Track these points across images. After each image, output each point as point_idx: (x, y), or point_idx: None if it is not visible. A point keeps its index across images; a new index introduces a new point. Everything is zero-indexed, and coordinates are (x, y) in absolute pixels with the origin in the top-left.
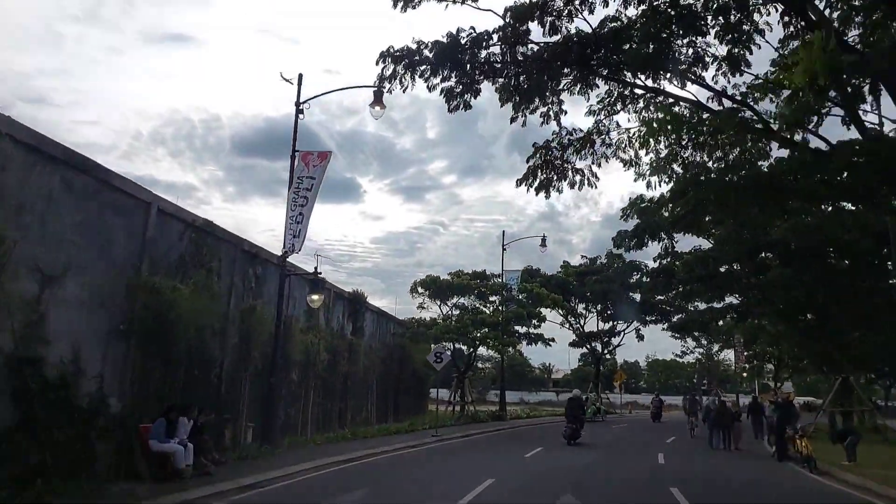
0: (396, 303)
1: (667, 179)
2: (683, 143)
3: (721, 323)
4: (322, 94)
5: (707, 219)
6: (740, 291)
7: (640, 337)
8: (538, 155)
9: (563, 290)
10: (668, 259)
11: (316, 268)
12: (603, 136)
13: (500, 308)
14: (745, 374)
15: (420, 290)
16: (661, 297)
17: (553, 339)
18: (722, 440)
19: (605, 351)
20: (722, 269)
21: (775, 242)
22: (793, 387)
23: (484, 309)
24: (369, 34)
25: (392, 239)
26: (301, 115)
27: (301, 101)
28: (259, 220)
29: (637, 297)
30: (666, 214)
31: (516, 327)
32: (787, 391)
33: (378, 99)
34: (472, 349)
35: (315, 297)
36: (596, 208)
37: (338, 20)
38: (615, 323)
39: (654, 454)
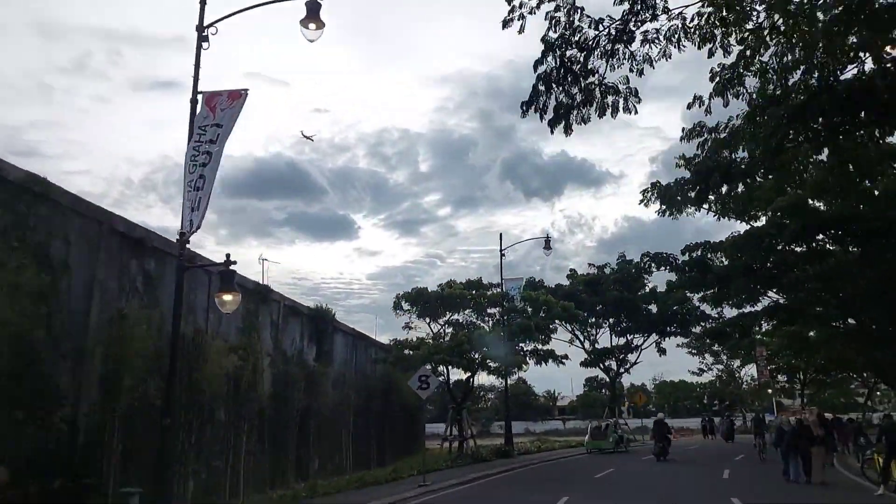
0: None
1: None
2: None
3: (763, 328)
4: (234, 13)
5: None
6: (789, 286)
7: (662, 351)
8: (550, 58)
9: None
10: (701, 251)
11: (266, 278)
12: (645, 23)
13: (503, 321)
14: (769, 391)
15: (405, 305)
16: (682, 305)
17: (566, 356)
18: (802, 471)
19: (622, 369)
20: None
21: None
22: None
23: (482, 325)
24: (354, 79)
25: (389, 274)
26: (205, 44)
27: (205, 24)
28: (254, 263)
29: (654, 308)
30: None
31: (521, 344)
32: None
33: (313, 14)
34: (470, 373)
35: (227, 297)
36: (591, 233)
37: (323, 65)
38: (632, 337)
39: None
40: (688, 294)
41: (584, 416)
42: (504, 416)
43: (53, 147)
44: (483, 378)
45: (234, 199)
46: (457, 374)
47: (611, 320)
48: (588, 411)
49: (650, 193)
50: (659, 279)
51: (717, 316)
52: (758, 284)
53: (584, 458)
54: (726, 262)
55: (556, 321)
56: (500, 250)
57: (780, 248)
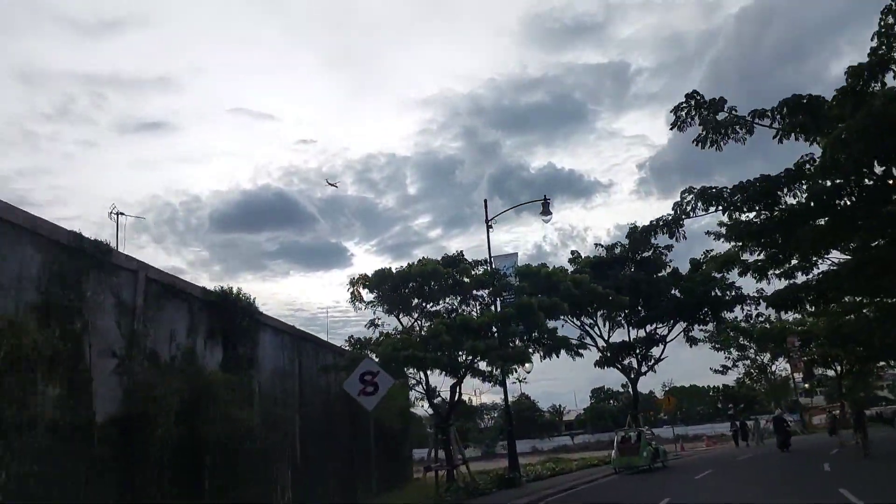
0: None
1: None
2: None
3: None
4: None
5: None
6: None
7: (692, 341)
8: None
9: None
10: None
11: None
12: None
13: (493, 303)
14: (807, 386)
15: (364, 294)
16: (712, 284)
17: (582, 346)
18: None
19: (645, 366)
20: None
21: None
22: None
23: (468, 312)
24: (338, 107)
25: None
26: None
27: None
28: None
29: (677, 293)
30: None
31: (515, 338)
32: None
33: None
34: (456, 377)
35: None
36: (584, 245)
37: (307, 96)
38: (653, 327)
39: None
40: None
41: (594, 430)
42: (507, 434)
43: (41, 194)
44: (485, 397)
45: (224, 234)
46: (441, 382)
47: (625, 312)
48: (597, 424)
49: (687, 111)
50: (680, 259)
51: (757, 295)
52: (841, 224)
53: (615, 483)
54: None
55: (562, 315)
56: (487, 221)
57: None
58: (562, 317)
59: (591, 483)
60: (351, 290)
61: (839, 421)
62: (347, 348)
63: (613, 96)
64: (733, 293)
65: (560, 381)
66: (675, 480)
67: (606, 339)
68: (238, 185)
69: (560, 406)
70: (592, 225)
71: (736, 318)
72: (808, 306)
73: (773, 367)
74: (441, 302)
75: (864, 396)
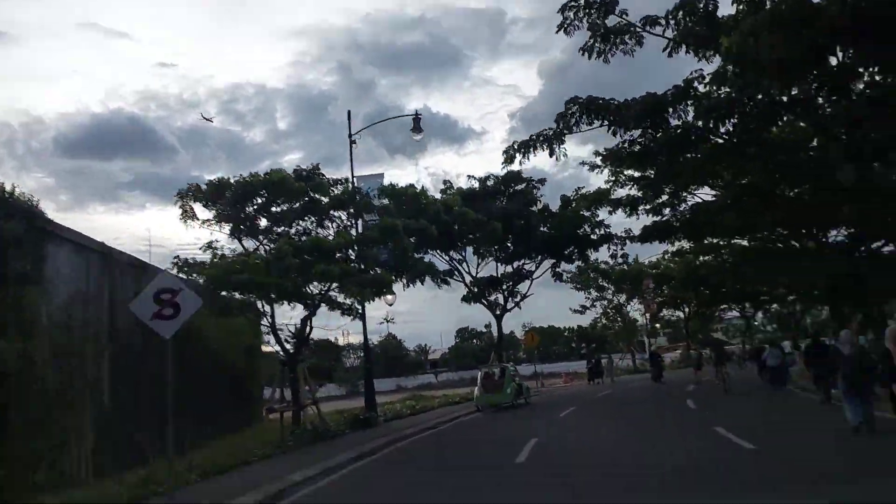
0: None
1: None
2: None
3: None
4: None
5: None
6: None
7: (558, 276)
8: None
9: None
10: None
11: None
12: None
13: (353, 225)
14: (658, 325)
15: (198, 210)
16: (581, 224)
17: (450, 275)
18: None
19: (511, 303)
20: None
21: None
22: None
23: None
24: (202, 33)
25: None
26: None
27: None
28: (98, 229)
29: (546, 230)
30: None
31: (377, 265)
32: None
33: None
34: (307, 308)
35: None
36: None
37: (167, 18)
38: (522, 263)
39: None
40: (592, 209)
41: (458, 368)
42: (366, 372)
43: None
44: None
45: (71, 160)
46: (293, 315)
47: (495, 247)
48: (461, 363)
49: (576, 12)
50: (551, 196)
51: (624, 235)
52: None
53: (479, 421)
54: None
55: (430, 242)
56: (350, 134)
57: None
58: (430, 250)
59: (453, 421)
60: (181, 204)
61: (693, 360)
62: (176, 273)
63: (489, 44)
64: (602, 232)
65: (426, 322)
66: (539, 418)
67: (474, 274)
68: (87, 107)
69: (426, 345)
70: (465, 171)
71: (597, 259)
72: (680, 239)
73: (628, 309)
74: (294, 225)
75: (701, 338)
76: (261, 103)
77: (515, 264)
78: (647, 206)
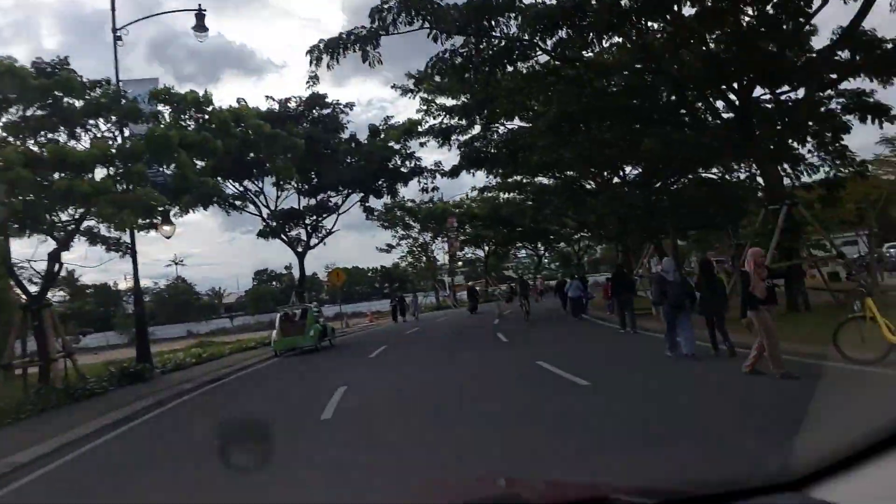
0: None
1: None
2: None
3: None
4: None
5: None
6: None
7: (369, 211)
8: None
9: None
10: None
11: None
12: None
13: (116, 136)
14: (460, 263)
15: None
16: (392, 158)
17: (243, 202)
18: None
19: (315, 238)
20: None
21: None
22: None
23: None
24: None
25: None
26: None
27: None
28: None
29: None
30: None
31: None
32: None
33: None
34: (55, 239)
35: None
36: None
37: None
38: (327, 196)
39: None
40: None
41: (255, 312)
42: (137, 317)
43: None
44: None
45: None
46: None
47: (295, 179)
48: (259, 307)
49: None
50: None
51: (435, 168)
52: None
53: (276, 368)
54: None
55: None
56: (114, 28)
57: None
58: (221, 180)
59: (246, 370)
60: None
61: (504, 294)
62: None
63: None
64: (412, 165)
65: (222, 264)
66: (348, 361)
67: (273, 207)
68: None
69: (220, 289)
70: (264, 105)
71: (403, 198)
72: (493, 172)
73: (433, 247)
74: (37, 136)
75: (494, 276)
76: (22, 17)
77: (320, 197)
78: (460, 138)
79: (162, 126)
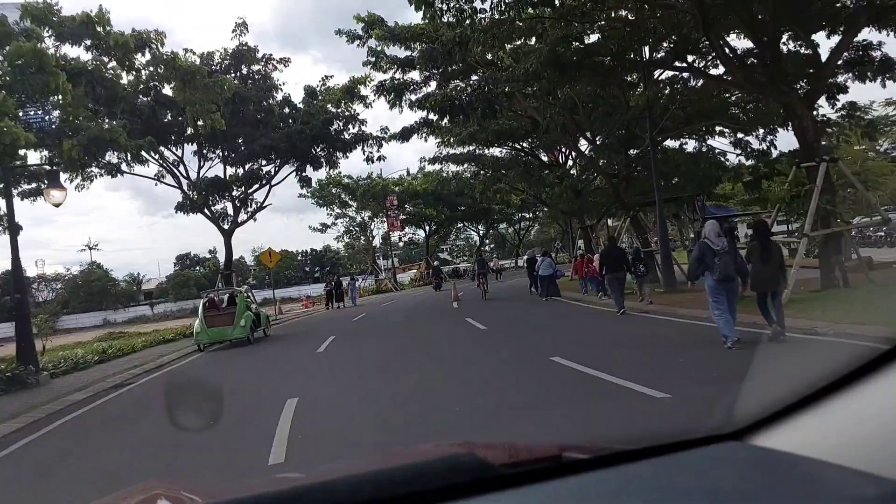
0: None
1: None
2: None
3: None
4: None
5: None
6: None
7: (306, 182)
8: None
9: (152, 114)
10: None
11: None
12: None
13: None
14: (401, 244)
15: None
16: (330, 121)
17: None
18: None
19: (244, 213)
20: None
21: None
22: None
23: None
24: None
25: None
26: None
27: None
28: None
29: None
30: None
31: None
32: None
33: None
34: None
35: None
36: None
37: None
38: (258, 165)
39: None
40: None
41: (178, 298)
42: (16, 309)
43: None
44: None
45: None
46: None
47: (221, 147)
48: (182, 293)
49: None
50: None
51: (381, 135)
52: None
53: (199, 368)
54: None
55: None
56: None
57: None
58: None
59: (161, 370)
60: None
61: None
62: None
63: None
64: (356, 130)
65: (143, 249)
66: (291, 358)
67: (195, 178)
68: None
69: (139, 274)
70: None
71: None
72: (474, 119)
73: (372, 227)
74: None
75: (429, 258)
76: None
77: (249, 166)
78: (413, 97)
79: (29, 42)
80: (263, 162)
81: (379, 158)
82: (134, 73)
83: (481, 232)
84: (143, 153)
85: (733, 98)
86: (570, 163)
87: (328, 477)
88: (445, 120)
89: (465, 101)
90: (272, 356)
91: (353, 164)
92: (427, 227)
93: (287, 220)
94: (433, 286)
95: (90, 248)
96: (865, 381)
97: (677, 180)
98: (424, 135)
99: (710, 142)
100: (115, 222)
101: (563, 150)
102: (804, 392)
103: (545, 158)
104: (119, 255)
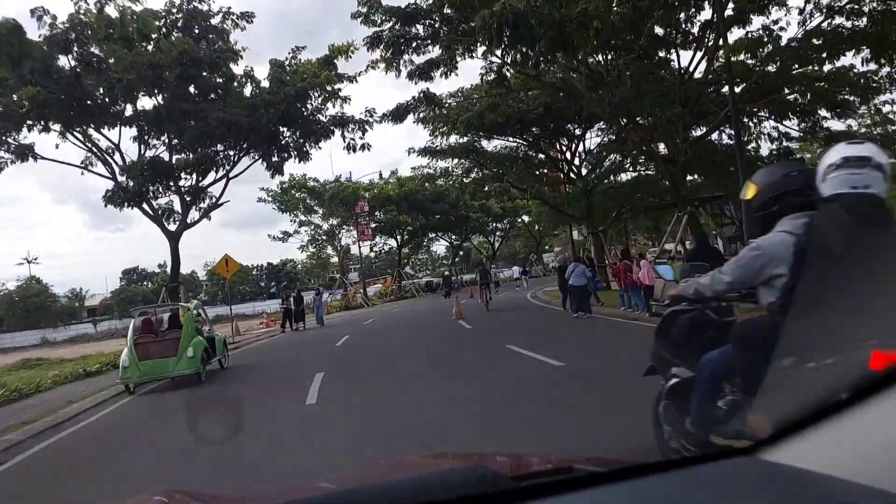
0: None
1: None
2: None
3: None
4: None
5: None
6: None
7: (275, 169)
8: None
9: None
10: None
11: None
12: None
13: None
14: (372, 253)
15: None
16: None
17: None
18: None
19: (197, 210)
20: None
21: None
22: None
23: None
24: None
25: None
26: None
27: None
28: None
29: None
30: None
31: None
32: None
33: None
34: None
35: None
36: None
37: None
38: (215, 149)
39: None
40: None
41: (123, 315)
42: None
43: None
44: None
45: None
46: None
47: (161, 130)
48: (127, 309)
49: None
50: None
51: (365, 118)
52: None
53: (118, 434)
54: None
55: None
56: None
57: None
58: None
59: (43, 444)
60: None
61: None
62: None
63: None
64: (338, 110)
65: (88, 265)
66: (266, 414)
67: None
68: None
69: (81, 290)
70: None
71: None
72: (541, 50)
73: (341, 235)
74: None
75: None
76: None
77: (201, 151)
78: (415, 58)
79: None
80: (220, 147)
81: (363, 147)
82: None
83: (456, 242)
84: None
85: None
86: (574, 160)
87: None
88: (501, 50)
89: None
90: (236, 408)
91: (319, 166)
92: (400, 237)
93: (242, 236)
94: (443, 294)
95: (28, 262)
96: (877, 396)
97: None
98: (421, 115)
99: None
100: (61, 237)
101: (565, 144)
102: (816, 407)
103: (542, 157)
104: (65, 271)
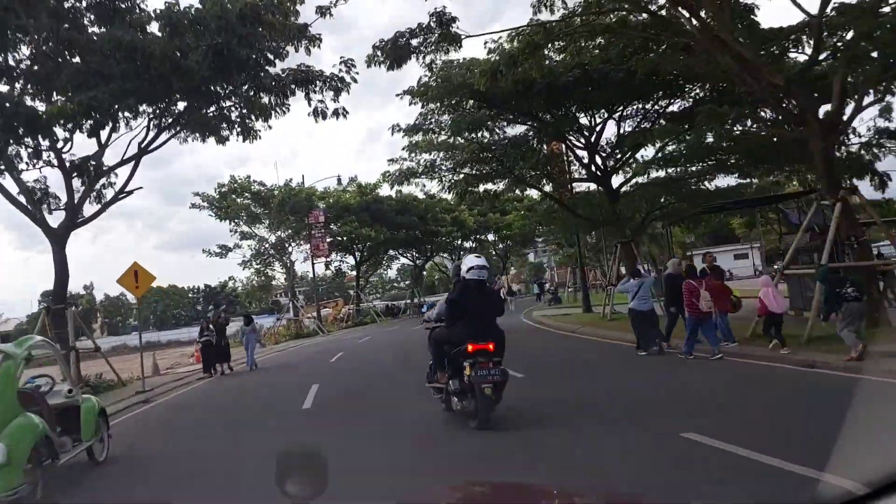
0: None
1: None
2: None
3: None
4: None
5: None
6: None
7: (214, 133)
8: None
9: None
10: None
11: None
12: None
13: None
14: (328, 271)
15: None
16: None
17: None
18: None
19: (92, 202)
20: None
21: None
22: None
23: None
24: None
25: None
26: None
27: None
28: None
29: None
30: None
31: None
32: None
33: None
34: None
35: None
36: None
37: None
38: (108, 93)
39: None
40: None
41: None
42: None
43: None
44: None
45: None
46: None
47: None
48: (45, 333)
49: None
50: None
51: (346, 69)
52: None
53: None
54: None
55: None
56: None
57: None
58: None
59: None
60: None
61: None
62: None
63: None
64: (301, 62)
65: (12, 287)
66: None
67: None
68: None
69: None
70: None
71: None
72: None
73: (291, 249)
74: None
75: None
76: None
77: (91, 94)
78: None
79: None
80: (121, 108)
81: (336, 113)
82: None
83: (419, 262)
84: None
85: None
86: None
87: None
88: None
89: None
90: None
91: (259, 168)
92: (359, 253)
93: (180, 258)
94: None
95: None
96: None
97: None
98: (432, 49)
99: None
100: None
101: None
102: None
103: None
104: None
